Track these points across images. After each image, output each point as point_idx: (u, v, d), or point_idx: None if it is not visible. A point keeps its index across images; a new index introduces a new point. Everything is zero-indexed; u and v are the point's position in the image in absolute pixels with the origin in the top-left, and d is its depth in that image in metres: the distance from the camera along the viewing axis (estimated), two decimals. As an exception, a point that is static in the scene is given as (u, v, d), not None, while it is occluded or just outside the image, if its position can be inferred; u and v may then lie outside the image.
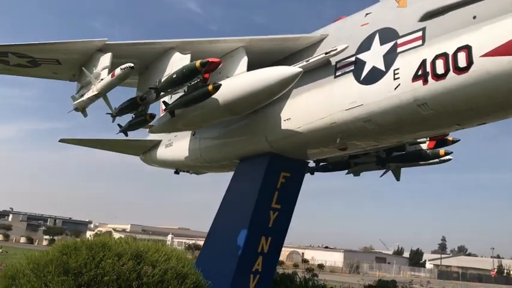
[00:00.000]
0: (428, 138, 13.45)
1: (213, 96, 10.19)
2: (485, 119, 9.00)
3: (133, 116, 12.36)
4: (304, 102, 10.79)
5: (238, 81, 10.12)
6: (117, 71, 10.03)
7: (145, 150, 18.20)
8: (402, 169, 15.41)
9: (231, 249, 12.23)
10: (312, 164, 16.72)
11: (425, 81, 8.53)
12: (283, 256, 59.98)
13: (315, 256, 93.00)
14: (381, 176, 15.53)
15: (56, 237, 66.30)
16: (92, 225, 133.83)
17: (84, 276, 7.50)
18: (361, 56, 9.79)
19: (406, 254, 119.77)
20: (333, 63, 10.35)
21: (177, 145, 15.94)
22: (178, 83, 10.37)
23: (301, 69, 9.79)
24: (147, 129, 14.69)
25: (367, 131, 9.82)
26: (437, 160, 13.99)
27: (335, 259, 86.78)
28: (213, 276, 12.49)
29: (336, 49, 10.03)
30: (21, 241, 71.14)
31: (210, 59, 9.82)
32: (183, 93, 11.04)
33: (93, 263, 7.71)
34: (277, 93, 9.90)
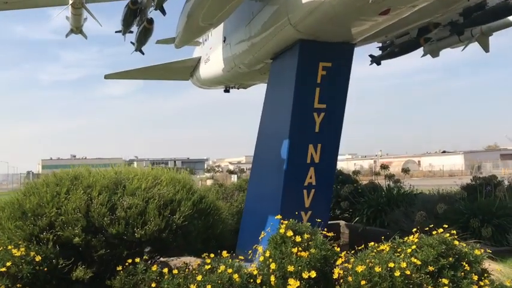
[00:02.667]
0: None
1: None
2: None
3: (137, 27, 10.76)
4: None
5: None
6: None
7: (192, 72, 16.59)
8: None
9: (276, 165, 10.37)
10: (375, 52, 13.93)
11: None
12: (397, 166, 56.28)
13: (433, 162, 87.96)
14: (463, 49, 12.11)
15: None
16: (210, 162, 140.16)
17: (43, 219, 6.14)
18: None
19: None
20: None
21: (213, 58, 14.01)
22: None
23: None
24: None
25: None
26: None
27: (454, 162, 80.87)
28: (266, 198, 10.95)
29: None
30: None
31: None
32: None
33: (55, 201, 6.32)
34: None
